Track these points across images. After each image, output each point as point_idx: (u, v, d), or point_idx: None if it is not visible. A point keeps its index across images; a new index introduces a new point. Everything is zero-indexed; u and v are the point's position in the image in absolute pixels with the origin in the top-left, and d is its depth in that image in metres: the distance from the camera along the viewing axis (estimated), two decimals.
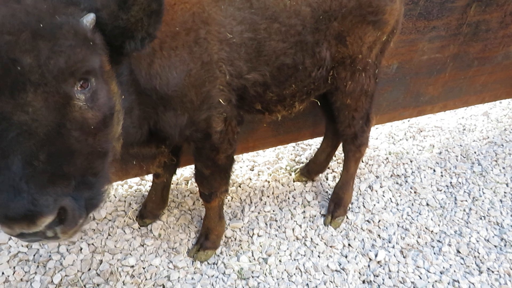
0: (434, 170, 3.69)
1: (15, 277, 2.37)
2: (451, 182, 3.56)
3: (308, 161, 3.47)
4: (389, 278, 2.70)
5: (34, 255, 2.51)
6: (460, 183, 3.56)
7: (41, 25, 1.14)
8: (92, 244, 2.63)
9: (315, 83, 2.31)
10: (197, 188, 3.15)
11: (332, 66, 2.33)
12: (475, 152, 3.94)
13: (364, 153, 2.95)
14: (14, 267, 2.42)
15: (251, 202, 3.16)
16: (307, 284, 2.60)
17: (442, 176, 3.64)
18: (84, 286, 2.39)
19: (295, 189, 3.35)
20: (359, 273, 2.73)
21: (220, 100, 2.02)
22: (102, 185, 1.35)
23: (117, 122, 1.45)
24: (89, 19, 1.25)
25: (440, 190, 3.48)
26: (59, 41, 1.15)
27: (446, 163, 3.77)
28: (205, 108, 1.99)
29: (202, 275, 2.58)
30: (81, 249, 2.58)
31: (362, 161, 3.69)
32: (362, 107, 2.60)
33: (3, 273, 2.37)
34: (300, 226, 3.01)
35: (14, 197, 1.07)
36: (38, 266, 2.45)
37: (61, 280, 2.40)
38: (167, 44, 1.77)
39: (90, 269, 2.49)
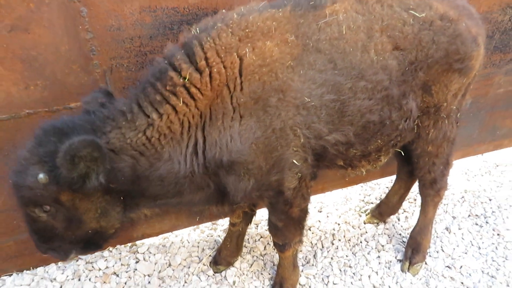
0: None
1: None
2: None
3: (379, 202, 3.36)
4: None
5: None
6: None
7: (18, 177, 1.74)
8: None
9: (401, 135, 2.24)
10: (267, 232, 3.16)
11: (417, 116, 2.26)
12: None
13: (443, 197, 2.80)
14: None
15: (322, 247, 3.09)
16: None
17: None
18: None
19: (367, 232, 3.24)
20: None
21: (294, 161, 2.00)
22: (84, 249, 2.05)
23: (95, 221, 1.91)
24: (41, 178, 1.69)
25: None
26: (21, 190, 1.75)
27: None
28: (275, 172, 2.00)
29: None
30: None
31: None
32: (443, 153, 2.50)
33: None
34: (377, 273, 2.89)
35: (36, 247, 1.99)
36: None
37: None
38: (228, 116, 1.86)
39: None
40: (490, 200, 3.54)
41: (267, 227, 2.45)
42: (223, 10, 2.04)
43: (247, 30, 1.87)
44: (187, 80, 1.82)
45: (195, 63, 1.83)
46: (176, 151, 1.89)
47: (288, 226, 2.34)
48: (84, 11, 2.03)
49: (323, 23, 1.91)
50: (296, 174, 2.05)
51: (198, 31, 1.91)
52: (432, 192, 2.74)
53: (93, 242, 2.02)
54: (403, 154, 2.57)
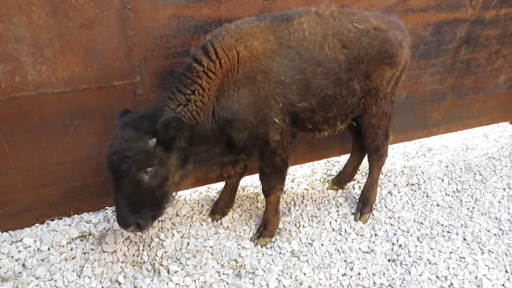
0: (442, 180, 4.47)
1: (130, 253, 3.23)
2: (457, 188, 4.34)
3: (338, 173, 4.31)
4: (409, 256, 3.44)
5: (139, 239, 3.36)
6: (464, 189, 4.33)
7: (130, 150, 2.53)
8: (180, 231, 3.48)
9: (350, 107, 3.16)
10: (252, 194, 4.03)
11: (362, 96, 3.18)
12: (476, 165, 4.72)
13: (384, 162, 3.77)
14: (127, 246, 3.28)
15: (295, 204, 3.99)
16: (345, 260, 3.37)
17: (449, 184, 4.41)
18: (179, 259, 3.21)
19: (329, 195, 4.16)
20: (385, 254, 3.48)
21: (276, 120, 2.92)
22: (161, 209, 2.84)
23: (172, 177, 2.79)
24: (153, 141, 2.57)
25: (448, 195, 4.25)
26: (136, 156, 2.53)
27: (452, 174, 4.56)
28: (261, 126, 2.92)
29: (263, 254, 3.38)
30: (173, 235, 3.43)
31: (382, 173, 4.50)
32: (383, 125, 3.45)
33: (121, 249, 3.23)
34: (336, 220, 3.80)
35: (119, 218, 2.67)
36: (144, 245, 3.31)
37: (162, 255, 3.24)
38: (231, 88, 2.80)
39: (181, 248, 3.32)
40: (422, 173, 4.56)
41: (259, 176, 3.31)
42: (226, 23, 2.97)
43: (240, 34, 2.81)
44: (206, 67, 2.74)
45: (209, 56, 2.75)
46: (205, 115, 2.82)
47: (272, 173, 3.22)
48: (131, 16, 2.91)
49: (292, 29, 2.85)
50: (278, 130, 2.96)
51: (210, 37, 2.84)
52: (376, 157, 3.71)
53: (161, 207, 2.80)
54: (355, 125, 3.51)
